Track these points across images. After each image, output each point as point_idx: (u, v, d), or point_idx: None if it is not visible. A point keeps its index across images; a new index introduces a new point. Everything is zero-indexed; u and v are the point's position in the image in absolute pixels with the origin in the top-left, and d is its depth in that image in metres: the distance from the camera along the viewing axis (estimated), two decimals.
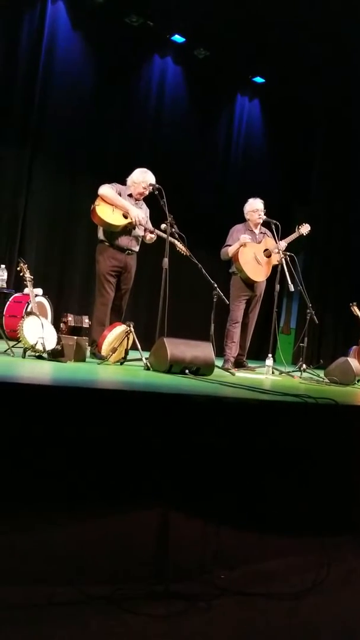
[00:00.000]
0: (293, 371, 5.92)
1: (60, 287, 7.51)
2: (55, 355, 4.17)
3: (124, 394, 2.84)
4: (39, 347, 4.10)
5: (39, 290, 5.66)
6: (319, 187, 9.99)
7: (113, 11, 7.70)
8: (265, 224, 6.14)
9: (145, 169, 5.17)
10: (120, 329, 4.76)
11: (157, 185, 5.03)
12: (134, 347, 4.83)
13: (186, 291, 7.87)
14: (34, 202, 7.32)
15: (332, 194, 10.02)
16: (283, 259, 5.91)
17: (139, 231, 5.09)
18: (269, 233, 6.10)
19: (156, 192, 5.00)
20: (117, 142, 8.01)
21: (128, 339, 4.71)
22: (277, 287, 6.00)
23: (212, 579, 2.56)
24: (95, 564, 2.40)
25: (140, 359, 4.67)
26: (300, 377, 5.56)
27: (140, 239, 5.17)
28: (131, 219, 4.98)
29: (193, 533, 2.64)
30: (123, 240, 5.05)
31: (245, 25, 7.73)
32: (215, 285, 5.42)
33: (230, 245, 5.92)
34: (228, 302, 5.76)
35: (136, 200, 5.15)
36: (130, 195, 5.12)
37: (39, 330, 4.16)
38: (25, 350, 4.14)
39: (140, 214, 5.04)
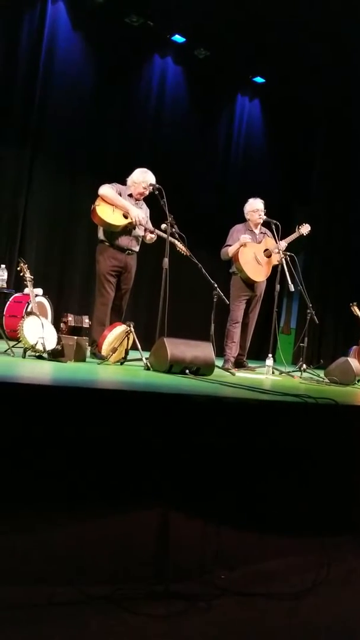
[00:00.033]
0: (293, 371, 5.92)
1: (60, 287, 7.51)
2: (56, 355, 4.17)
3: (124, 394, 2.84)
4: (39, 347, 4.10)
5: (39, 290, 5.66)
6: (319, 187, 9.99)
7: (113, 11, 7.70)
8: (265, 224, 6.14)
9: (145, 169, 5.17)
10: (120, 329, 4.76)
11: (157, 185, 5.03)
12: (134, 347, 4.83)
13: (186, 291, 7.86)
14: (34, 202, 7.32)
15: (332, 194, 10.01)
16: (283, 259, 5.91)
17: (139, 231, 5.09)
18: (269, 233, 6.10)
19: (156, 192, 5.00)
20: (117, 142, 8.01)
21: (128, 339, 4.72)
22: (277, 287, 6.00)
23: (212, 579, 2.56)
24: (95, 564, 2.40)
25: (141, 359, 4.67)
26: (301, 377, 5.56)
27: (140, 239, 5.17)
28: (131, 219, 4.98)
29: (193, 533, 2.64)
30: (123, 240, 5.05)
31: (245, 25, 7.72)
32: (216, 285, 5.42)
33: (230, 245, 5.92)
34: (228, 302, 5.76)
35: (136, 200, 5.15)
36: (130, 195, 5.12)
37: (39, 330, 4.16)
38: (25, 350, 4.14)
39: (141, 214, 5.04)
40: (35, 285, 4.87)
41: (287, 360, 7.32)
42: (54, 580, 2.27)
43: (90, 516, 2.42)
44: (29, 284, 4.71)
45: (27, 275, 4.71)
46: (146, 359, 4.51)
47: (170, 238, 5.01)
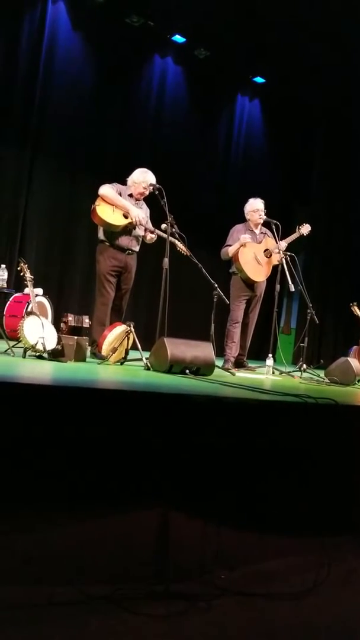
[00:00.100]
0: (293, 371, 5.92)
1: (60, 287, 7.52)
2: (56, 355, 4.17)
3: (124, 394, 2.84)
4: (39, 347, 4.10)
5: (39, 290, 5.66)
6: (319, 187, 9.99)
7: (113, 11, 7.70)
8: (265, 224, 6.14)
9: (145, 169, 5.17)
10: (120, 328, 4.76)
11: (157, 185, 5.03)
12: (134, 347, 4.83)
13: (186, 291, 7.87)
14: (34, 202, 7.33)
15: (332, 194, 10.01)
16: (283, 259, 5.91)
17: (139, 231, 5.09)
18: (269, 233, 6.10)
19: (156, 192, 5.00)
20: (117, 142, 8.02)
21: (128, 338, 4.72)
22: (278, 287, 6.00)
23: (213, 579, 2.56)
24: (95, 564, 2.40)
25: (141, 359, 4.67)
26: (301, 377, 5.56)
27: (140, 239, 5.17)
28: (131, 219, 4.98)
29: (193, 533, 2.64)
30: (123, 240, 5.05)
31: (245, 25, 7.73)
32: (216, 285, 5.42)
33: (230, 245, 5.92)
34: (228, 302, 5.76)
35: (136, 200, 5.15)
36: (130, 195, 5.12)
37: (39, 330, 4.16)
38: (25, 350, 4.14)
39: (141, 214, 5.04)
40: (35, 285, 4.86)
41: (287, 360, 7.32)
42: (54, 580, 2.27)
43: (90, 516, 2.41)
44: (29, 283, 4.70)
45: (27, 275, 4.71)
46: (146, 359, 4.51)
47: (170, 238, 5.00)
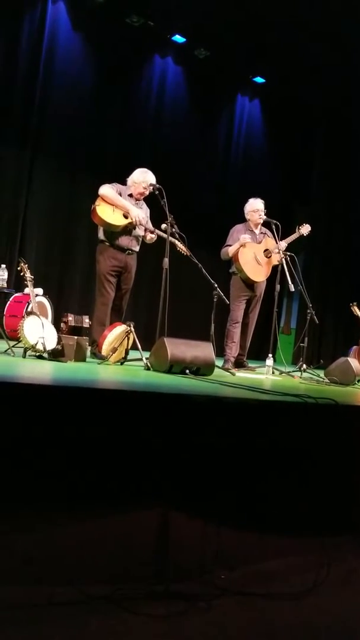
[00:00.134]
0: (293, 371, 5.92)
1: (60, 287, 7.52)
2: (56, 355, 4.17)
3: (124, 394, 2.84)
4: (40, 347, 4.10)
5: (40, 290, 5.66)
6: (319, 187, 9.99)
7: (113, 11, 7.70)
8: (265, 224, 6.14)
9: (145, 169, 5.17)
10: (120, 328, 4.76)
11: (157, 185, 5.03)
12: (134, 347, 4.83)
13: (186, 291, 7.87)
14: (34, 202, 7.33)
15: (332, 194, 10.01)
16: (283, 259, 5.91)
17: (139, 231, 5.09)
18: (269, 233, 6.10)
19: (156, 192, 5.00)
20: (117, 142, 8.02)
21: (128, 338, 4.72)
22: (278, 287, 6.00)
23: (213, 579, 2.56)
24: (95, 564, 2.40)
25: (141, 359, 4.67)
26: (301, 377, 5.56)
27: (140, 239, 5.17)
28: (131, 219, 4.98)
29: (193, 533, 2.64)
30: (123, 240, 5.05)
31: (245, 25, 7.73)
32: (216, 285, 5.42)
33: (230, 245, 5.92)
34: (228, 302, 5.76)
35: (136, 200, 5.15)
36: (130, 195, 5.12)
37: (39, 330, 4.16)
38: (25, 350, 4.14)
39: (141, 214, 5.04)
40: (35, 285, 4.87)
41: (287, 360, 7.32)
42: (54, 580, 2.27)
43: (90, 516, 2.42)
44: (29, 283, 4.71)
45: (27, 275, 4.71)
46: (146, 359, 4.51)
47: (170, 238, 5.00)
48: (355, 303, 7.65)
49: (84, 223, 6.73)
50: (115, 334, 4.72)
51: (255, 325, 6.14)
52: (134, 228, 5.03)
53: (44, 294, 5.89)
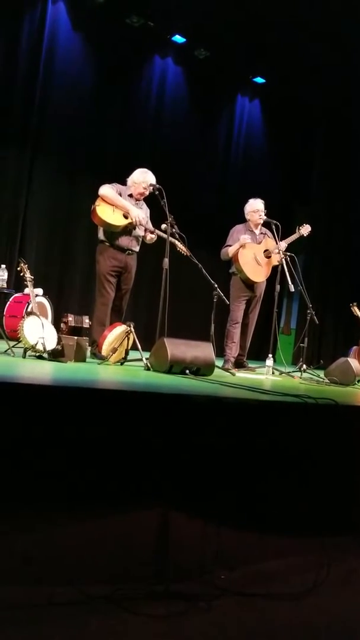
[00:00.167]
0: (293, 371, 5.92)
1: (60, 287, 7.52)
2: (56, 355, 4.17)
3: (124, 394, 2.85)
4: (40, 347, 4.10)
5: (39, 290, 5.66)
6: (319, 187, 9.99)
7: (113, 12, 7.70)
8: (265, 225, 6.14)
9: (145, 169, 5.17)
10: (120, 329, 4.76)
11: (157, 186, 5.03)
12: (134, 347, 4.83)
13: (186, 291, 7.86)
14: (34, 202, 7.33)
15: (332, 194, 10.01)
16: (283, 260, 5.91)
17: (139, 231, 5.09)
18: (269, 233, 6.10)
19: (156, 193, 5.00)
20: (117, 142, 8.02)
21: (128, 339, 4.72)
22: (278, 287, 6.00)
23: (213, 579, 2.56)
24: (95, 564, 2.40)
25: (141, 359, 4.67)
26: (301, 378, 5.56)
27: (140, 239, 5.17)
28: (131, 219, 4.98)
29: (193, 533, 2.64)
30: (123, 241, 5.05)
31: (245, 26, 7.73)
32: (216, 285, 5.42)
33: (230, 246, 5.92)
34: (228, 303, 5.76)
35: (136, 200, 5.15)
36: (130, 196, 5.12)
37: (39, 330, 4.16)
38: (25, 350, 4.14)
39: (141, 214, 5.04)
40: (35, 285, 4.87)
41: (287, 360, 7.32)
42: (54, 580, 2.27)
43: (90, 516, 2.42)
44: (29, 284, 4.71)
45: (27, 275, 4.71)
46: (146, 359, 4.51)
47: (170, 238, 5.00)
48: (355, 303, 7.65)
49: (84, 223, 6.73)
50: (115, 334, 4.72)
51: (255, 326, 6.14)
52: (134, 228, 5.04)
53: (44, 294, 5.89)
